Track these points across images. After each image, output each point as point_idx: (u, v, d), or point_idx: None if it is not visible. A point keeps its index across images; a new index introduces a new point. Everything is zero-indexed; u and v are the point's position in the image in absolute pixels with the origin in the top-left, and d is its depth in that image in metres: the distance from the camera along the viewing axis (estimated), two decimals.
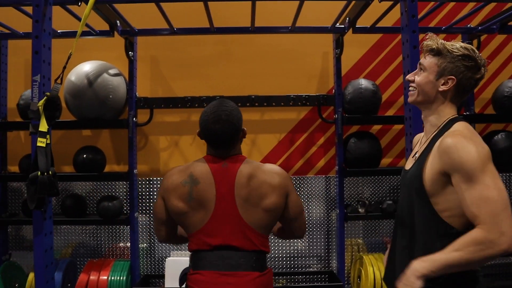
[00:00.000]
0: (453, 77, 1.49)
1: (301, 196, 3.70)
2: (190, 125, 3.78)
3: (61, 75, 2.12)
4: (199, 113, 3.63)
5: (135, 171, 3.52)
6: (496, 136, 3.41)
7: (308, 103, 3.62)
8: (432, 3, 2.99)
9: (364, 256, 3.35)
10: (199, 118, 1.80)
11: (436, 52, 1.51)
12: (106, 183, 3.71)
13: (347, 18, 3.19)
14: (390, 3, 2.81)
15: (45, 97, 2.07)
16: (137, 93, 3.58)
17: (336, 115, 3.51)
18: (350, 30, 3.33)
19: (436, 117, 1.55)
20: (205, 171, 1.73)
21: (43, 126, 2.05)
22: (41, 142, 2.03)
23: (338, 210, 3.53)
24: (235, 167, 1.73)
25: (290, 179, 1.81)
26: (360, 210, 3.47)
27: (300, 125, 3.82)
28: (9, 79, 3.70)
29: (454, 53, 1.48)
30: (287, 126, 3.78)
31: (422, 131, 1.80)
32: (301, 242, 3.74)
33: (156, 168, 3.79)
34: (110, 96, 3.35)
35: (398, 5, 3.07)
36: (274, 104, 3.58)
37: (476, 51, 1.51)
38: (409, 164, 1.64)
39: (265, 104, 3.58)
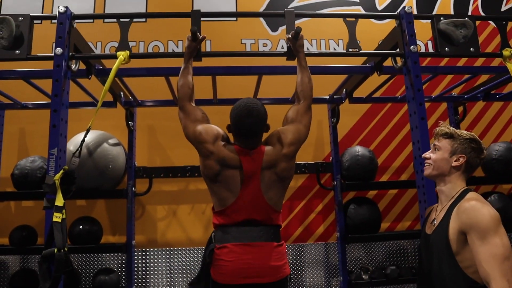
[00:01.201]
0: (463, 155, 1.79)
1: (301, 264, 3.66)
2: (188, 194, 3.75)
3: (79, 149, 2.11)
4: (197, 182, 3.73)
5: (133, 242, 3.41)
6: (489, 198, 3.53)
7: (306, 171, 3.69)
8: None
9: None
10: (230, 113, 2.05)
11: (449, 136, 1.83)
12: (100, 254, 3.56)
13: (344, 90, 3.35)
14: (387, 76, 2.98)
15: (62, 171, 2.04)
16: (136, 162, 3.56)
17: (335, 182, 3.58)
18: (346, 100, 3.48)
19: (450, 188, 1.81)
20: (235, 158, 2.00)
21: (60, 201, 2.00)
22: (57, 217, 1.97)
23: (341, 278, 3.48)
24: (260, 156, 2.02)
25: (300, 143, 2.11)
26: (363, 276, 3.44)
27: (298, 192, 3.85)
28: (2, 148, 3.63)
29: (463, 137, 1.81)
30: (287, 194, 3.79)
31: (434, 198, 2.11)
32: None
33: (153, 238, 3.69)
34: (110, 166, 3.32)
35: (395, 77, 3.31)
36: None
37: (478, 138, 1.83)
38: (429, 229, 1.85)
39: None
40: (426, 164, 1.90)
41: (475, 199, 1.67)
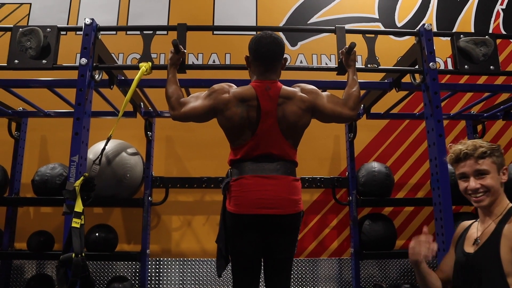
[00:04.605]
0: (506, 167, 1.71)
1: (314, 279, 3.63)
2: (203, 205, 3.78)
3: (100, 157, 2.16)
4: (213, 193, 3.76)
5: (148, 251, 3.44)
6: None
7: (322, 185, 3.69)
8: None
9: None
10: (249, 44, 2.12)
11: (488, 154, 1.69)
12: (114, 262, 3.60)
13: (362, 105, 3.36)
14: (406, 92, 2.98)
15: (82, 177, 2.08)
16: (153, 172, 3.61)
17: (351, 197, 3.56)
18: (364, 116, 3.48)
19: (497, 206, 1.70)
20: (252, 95, 2.03)
21: (79, 207, 2.04)
22: (76, 223, 2.02)
23: None
24: (277, 90, 2.06)
25: (319, 91, 2.15)
26: None
27: (313, 207, 3.84)
28: (24, 155, 3.71)
29: (494, 149, 1.70)
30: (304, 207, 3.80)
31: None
32: None
33: (168, 248, 3.71)
34: (127, 175, 3.37)
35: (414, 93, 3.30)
36: None
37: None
38: (470, 248, 1.74)
39: None
40: (479, 196, 1.70)
41: None
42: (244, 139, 2.04)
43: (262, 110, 2.01)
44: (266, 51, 2.08)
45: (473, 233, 1.79)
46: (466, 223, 1.90)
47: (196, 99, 2.16)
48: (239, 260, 2.03)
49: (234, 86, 2.12)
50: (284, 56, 2.16)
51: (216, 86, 2.13)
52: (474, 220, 1.86)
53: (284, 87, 2.09)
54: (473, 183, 1.70)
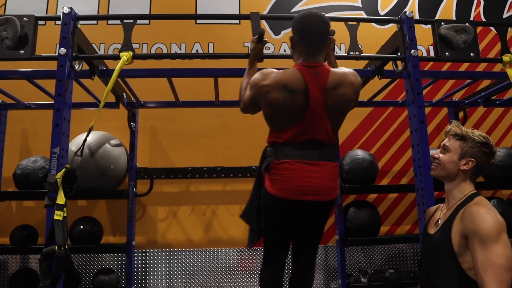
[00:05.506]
0: (473, 159, 1.75)
1: None
2: (189, 195, 3.77)
3: (81, 148, 2.13)
4: (198, 183, 3.75)
5: (133, 242, 3.42)
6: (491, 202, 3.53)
7: None
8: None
9: None
10: (293, 23, 2.06)
11: (460, 137, 1.78)
12: (100, 255, 3.57)
13: None
14: (388, 80, 3.00)
15: (64, 169, 2.06)
16: (137, 163, 3.58)
17: None
18: None
19: (458, 191, 1.78)
20: (298, 80, 1.98)
21: (61, 199, 2.01)
22: (58, 215, 1.99)
23: (340, 281, 3.48)
24: (325, 76, 2.01)
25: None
26: (362, 280, 3.44)
27: None
28: (4, 148, 3.65)
29: (476, 140, 1.75)
30: None
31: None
32: None
33: (154, 239, 3.70)
34: (111, 167, 3.34)
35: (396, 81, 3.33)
36: None
37: (491, 141, 1.77)
38: (432, 229, 1.83)
39: None
40: (433, 164, 1.86)
41: (481, 204, 1.65)
42: (288, 124, 2.01)
43: (311, 96, 1.97)
44: (314, 31, 2.02)
45: (436, 215, 1.88)
46: (433, 208, 2.01)
47: (246, 91, 2.17)
48: (273, 237, 2.12)
49: (275, 71, 2.05)
50: (330, 32, 2.10)
51: (256, 75, 2.08)
52: (440, 204, 1.95)
53: (332, 70, 2.05)
54: (434, 151, 1.89)
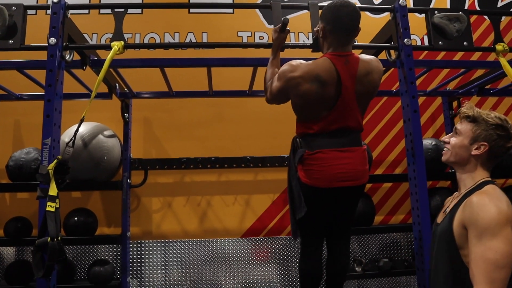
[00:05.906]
0: (485, 143, 1.60)
1: (295, 256, 3.67)
2: (183, 186, 3.76)
3: (73, 139, 2.12)
4: (193, 174, 3.75)
5: (128, 233, 3.42)
6: None
7: None
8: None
9: None
10: (325, 13, 2.08)
11: (472, 119, 1.65)
12: (95, 246, 3.57)
13: None
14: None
15: (55, 161, 2.04)
16: (131, 154, 3.57)
17: None
18: None
19: (469, 178, 1.65)
20: (330, 69, 2.02)
21: (53, 190, 2.00)
22: (50, 207, 1.98)
23: None
24: (356, 64, 2.07)
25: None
26: (357, 268, 3.46)
27: None
28: None
29: (489, 122, 1.61)
30: (281, 187, 3.80)
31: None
32: None
33: (148, 230, 3.70)
34: (105, 158, 3.32)
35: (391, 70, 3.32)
36: (268, 164, 3.65)
37: (509, 122, 1.62)
38: (440, 218, 1.74)
39: (260, 164, 3.64)
40: (444, 149, 1.75)
41: (487, 193, 1.50)
42: (319, 114, 2.06)
43: (343, 85, 2.02)
44: (349, 21, 2.04)
45: (446, 204, 1.79)
46: (451, 197, 1.85)
47: (273, 82, 2.19)
48: (312, 225, 2.17)
49: (304, 62, 2.08)
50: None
51: (284, 66, 2.10)
52: (456, 192, 1.82)
53: (361, 58, 2.11)
54: (446, 135, 1.79)
